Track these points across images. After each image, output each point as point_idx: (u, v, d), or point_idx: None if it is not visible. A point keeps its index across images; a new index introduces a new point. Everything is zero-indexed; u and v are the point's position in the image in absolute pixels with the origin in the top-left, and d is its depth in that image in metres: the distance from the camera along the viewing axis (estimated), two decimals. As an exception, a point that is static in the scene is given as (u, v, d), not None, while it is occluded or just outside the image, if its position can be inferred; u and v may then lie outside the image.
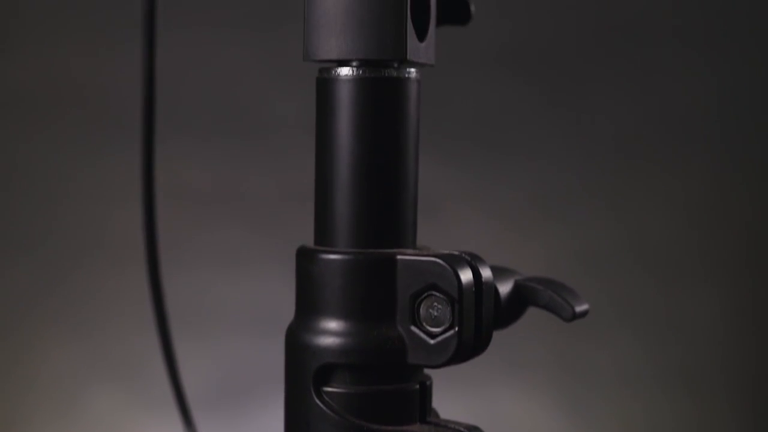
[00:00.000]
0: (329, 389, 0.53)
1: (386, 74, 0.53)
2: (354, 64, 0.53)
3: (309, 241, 0.55)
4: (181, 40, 1.43)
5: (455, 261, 0.52)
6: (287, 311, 0.55)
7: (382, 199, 0.53)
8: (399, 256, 0.53)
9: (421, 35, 0.54)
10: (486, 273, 0.52)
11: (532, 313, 0.57)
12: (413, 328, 0.52)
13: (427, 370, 0.55)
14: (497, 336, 0.54)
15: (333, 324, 0.53)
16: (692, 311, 1.47)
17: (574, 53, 1.49)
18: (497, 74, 1.48)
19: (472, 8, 0.58)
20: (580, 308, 0.55)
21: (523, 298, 0.56)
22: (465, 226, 1.49)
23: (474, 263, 0.52)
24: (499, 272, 0.55)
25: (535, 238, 1.48)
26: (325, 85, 0.54)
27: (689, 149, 1.49)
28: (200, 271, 1.45)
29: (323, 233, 0.54)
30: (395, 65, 0.54)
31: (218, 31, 1.48)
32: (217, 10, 1.48)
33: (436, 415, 0.56)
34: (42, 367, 1.43)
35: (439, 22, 0.57)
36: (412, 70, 0.54)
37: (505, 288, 0.55)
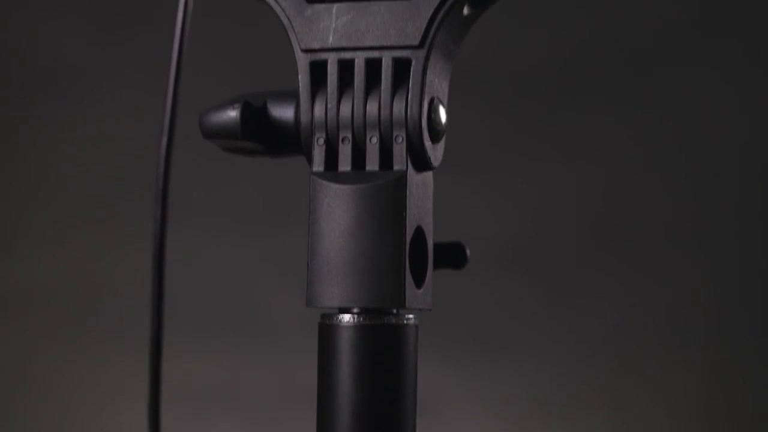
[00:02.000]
0: None
1: (386, 321, 0.55)
2: (355, 311, 0.55)
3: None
4: (180, 235, 1.45)
5: None
6: None
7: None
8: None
9: (419, 282, 0.57)
10: None
11: None
12: None
13: None
14: None
15: None
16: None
17: (573, 252, 1.51)
18: (496, 271, 1.50)
19: (468, 252, 0.61)
20: None
21: None
22: (462, 420, 1.49)
23: None
24: None
25: (535, 434, 1.48)
26: (327, 331, 0.56)
27: (687, 344, 1.50)
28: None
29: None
30: (394, 312, 0.56)
31: (218, 227, 1.51)
32: (218, 208, 1.51)
33: None
34: None
35: (436, 267, 0.59)
36: (411, 316, 0.56)
37: None
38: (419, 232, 0.57)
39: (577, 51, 1.52)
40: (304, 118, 0.57)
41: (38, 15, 1.56)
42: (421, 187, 0.57)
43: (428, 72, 0.56)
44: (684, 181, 1.51)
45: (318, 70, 0.57)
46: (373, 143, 0.56)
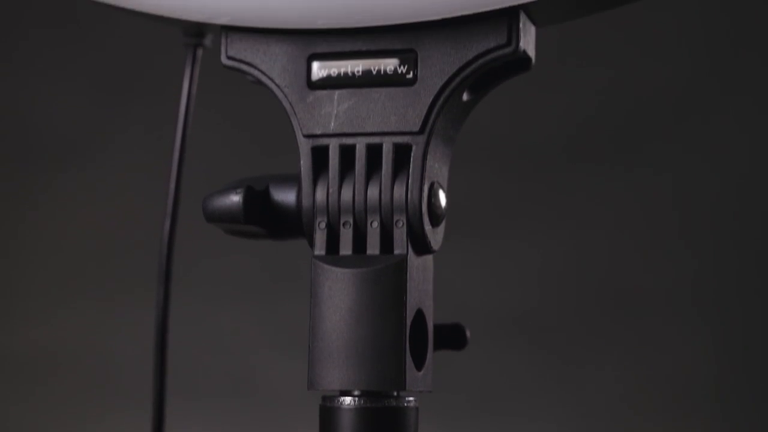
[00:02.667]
0: None
1: (387, 404, 0.56)
2: (355, 393, 0.56)
3: None
4: (180, 302, 1.46)
5: None
6: None
7: None
8: None
9: (420, 365, 0.57)
10: None
11: None
12: None
13: None
14: None
15: None
16: None
17: (575, 319, 1.52)
18: (498, 337, 1.50)
19: (468, 334, 0.61)
20: None
21: None
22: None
23: None
24: None
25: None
26: (328, 413, 0.56)
27: (688, 412, 1.50)
28: None
29: None
30: (395, 394, 0.56)
31: (218, 295, 1.52)
32: (218, 276, 1.52)
33: None
34: None
35: (437, 348, 0.60)
36: (411, 398, 0.57)
37: None
38: (419, 315, 0.57)
39: (579, 119, 1.53)
40: (306, 202, 0.58)
41: (38, 78, 1.57)
42: (421, 270, 0.58)
43: (428, 157, 0.57)
44: (684, 249, 1.52)
45: (320, 155, 0.58)
46: (373, 227, 0.57)
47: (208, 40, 0.68)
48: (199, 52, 0.68)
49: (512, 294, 1.51)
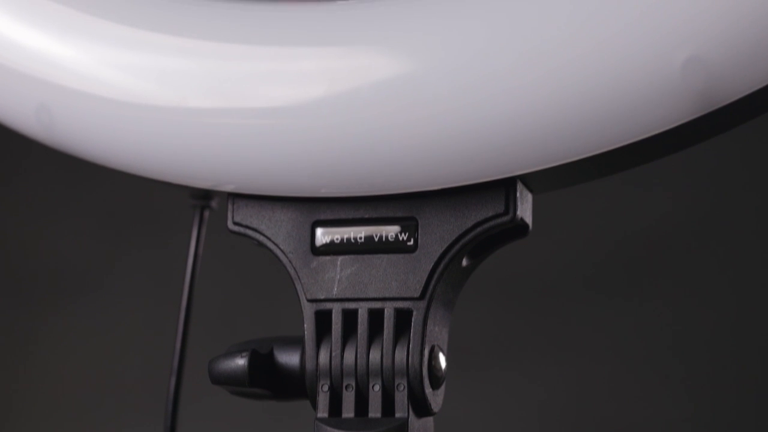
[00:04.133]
0: None
1: None
2: None
3: None
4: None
5: None
6: None
7: None
8: None
9: None
10: None
11: None
12: None
13: None
14: None
15: None
16: None
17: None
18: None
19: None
20: None
21: None
22: None
23: None
24: None
25: None
26: None
27: None
28: None
29: None
30: None
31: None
32: (221, 410, 1.52)
33: None
34: None
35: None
36: None
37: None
38: (421, 477, 0.58)
39: (580, 255, 1.55)
40: (309, 365, 0.59)
41: (41, 213, 1.59)
42: (422, 432, 0.59)
43: (428, 322, 0.58)
44: (681, 384, 1.52)
45: (323, 319, 0.59)
46: (375, 391, 0.58)
47: (214, 202, 0.70)
48: (206, 213, 0.70)
49: (512, 430, 1.52)
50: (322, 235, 0.60)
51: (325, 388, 0.59)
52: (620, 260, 1.54)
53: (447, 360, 0.59)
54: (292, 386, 0.60)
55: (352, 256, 0.59)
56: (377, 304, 0.59)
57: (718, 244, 1.53)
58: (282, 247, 0.60)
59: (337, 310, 0.59)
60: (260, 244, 0.61)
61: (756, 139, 1.50)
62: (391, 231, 0.59)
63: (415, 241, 0.58)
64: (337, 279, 0.59)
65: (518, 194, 0.58)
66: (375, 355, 0.58)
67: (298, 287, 0.60)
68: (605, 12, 0.51)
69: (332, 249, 0.59)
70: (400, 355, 0.58)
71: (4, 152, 1.56)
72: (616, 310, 1.53)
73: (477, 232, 0.58)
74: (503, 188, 0.57)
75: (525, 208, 0.58)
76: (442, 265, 0.58)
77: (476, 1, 0.54)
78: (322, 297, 0.59)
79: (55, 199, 1.60)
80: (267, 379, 0.60)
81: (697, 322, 1.52)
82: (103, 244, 1.58)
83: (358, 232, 0.59)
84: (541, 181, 0.58)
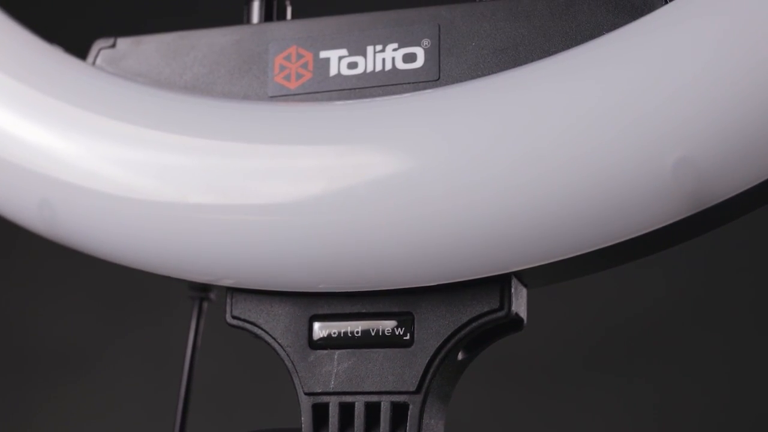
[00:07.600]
0: None
1: None
2: None
3: None
4: None
5: None
6: None
7: None
8: None
9: None
10: None
11: None
12: None
13: None
14: None
15: None
16: None
17: None
18: None
19: None
20: None
21: None
22: None
23: None
24: None
25: None
26: None
27: None
28: None
29: None
30: None
31: None
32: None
33: None
34: None
35: None
36: None
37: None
38: None
39: (575, 335, 1.55)
40: (308, 459, 0.59)
41: (41, 292, 1.60)
42: None
43: (424, 415, 0.59)
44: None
45: (320, 412, 0.60)
46: (371, 483, 0.59)
47: (213, 294, 0.71)
48: (205, 305, 0.71)
49: None
50: (319, 329, 0.60)
51: None
52: (614, 343, 1.55)
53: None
54: (290, 478, 0.61)
55: (349, 350, 0.60)
56: (374, 398, 0.59)
57: (711, 329, 1.53)
58: (280, 341, 0.61)
59: (334, 403, 0.60)
60: (258, 336, 0.62)
61: (745, 224, 1.52)
62: (387, 326, 0.60)
63: (412, 336, 0.59)
64: (334, 373, 0.60)
65: (513, 290, 0.58)
66: None
67: (296, 380, 0.60)
68: (599, 115, 0.52)
69: (329, 343, 0.60)
70: None
71: (4, 230, 1.57)
72: (612, 390, 1.53)
73: (472, 327, 0.58)
74: (498, 284, 0.58)
75: (519, 304, 0.59)
76: (437, 360, 0.59)
77: (472, 103, 0.55)
78: (319, 390, 0.60)
79: (56, 279, 1.61)
80: (265, 472, 0.60)
81: (688, 404, 1.52)
82: (101, 324, 1.58)
83: (355, 327, 0.60)
84: (535, 276, 0.58)
